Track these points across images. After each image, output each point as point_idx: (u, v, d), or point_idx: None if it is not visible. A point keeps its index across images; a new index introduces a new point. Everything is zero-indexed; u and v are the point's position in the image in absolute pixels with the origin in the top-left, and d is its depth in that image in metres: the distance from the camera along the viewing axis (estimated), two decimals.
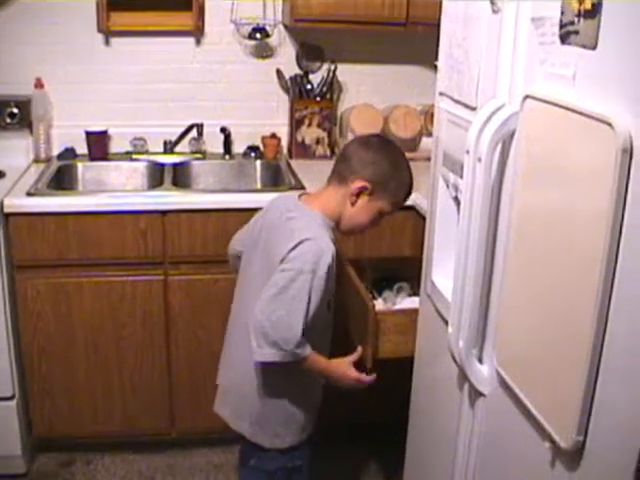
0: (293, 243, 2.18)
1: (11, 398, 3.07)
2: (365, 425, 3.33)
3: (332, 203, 2.32)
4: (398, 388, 2.50)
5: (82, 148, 3.56)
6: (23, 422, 3.15)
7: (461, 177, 1.79)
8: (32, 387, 3.15)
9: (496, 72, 1.69)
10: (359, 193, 2.28)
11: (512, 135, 1.62)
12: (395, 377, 2.45)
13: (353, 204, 2.30)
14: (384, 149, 2.32)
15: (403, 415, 2.48)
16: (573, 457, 1.37)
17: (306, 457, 2.51)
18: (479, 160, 1.63)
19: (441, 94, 2.07)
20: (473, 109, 1.80)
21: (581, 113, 1.29)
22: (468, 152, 1.68)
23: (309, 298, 2.15)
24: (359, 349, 2.35)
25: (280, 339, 2.12)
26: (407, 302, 2.52)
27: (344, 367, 2.30)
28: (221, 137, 3.63)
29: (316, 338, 2.30)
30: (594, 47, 1.29)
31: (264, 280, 2.24)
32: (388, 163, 2.29)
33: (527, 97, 1.51)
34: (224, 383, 2.50)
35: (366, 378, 2.29)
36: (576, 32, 1.35)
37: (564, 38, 1.39)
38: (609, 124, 1.20)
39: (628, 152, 1.18)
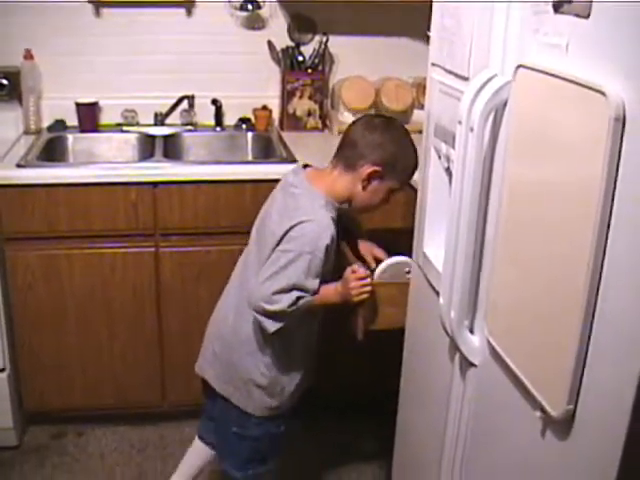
0: (293, 222, 2.24)
1: (1, 371, 3.07)
2: (358, 397, 3.34)
3: (340, 187, 2.35)
4: (391, 360, 2.50)
5: (72, 120, 3.54)
6: (14, 395, 3.15)
7: (453, 148, 1.78)
8: (23, 360, 3.15)
9: (489, 42, 1.67)
10: (370, 178, 2.31)
11: (505, 105, 1.61)
12: (388, 349, 2.46)
13: (365, 188, 2.33)
14: (389, 130, 2.34)
15: (395, 386, 2.48)
16: (564, 426, 1.38)
17: (289, 423, 2.56)
18: (471, 130, 1.62)
19: (433, 65, 2.06)
20: (465, 79, 1.79)
21: (574, 82, 1.28)
22: (460, 122, 1.67)
23: (306, 275, 2.23)
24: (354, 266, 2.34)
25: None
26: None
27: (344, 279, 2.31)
28: (212, 109, 3.62)
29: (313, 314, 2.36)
30: (587, 16, 1.28)
31: (256, 250, 2.37)
32: (395, 144, 2.32)
33: (520, 67, 1.50)
34: (213, 348, 2.52)
35: (361, 269, 2.29)
36: (569, 1, 1.34)
37: (557, 7, 1.38)
38: (602, 93, 1.19)
39: (621, 121, 1.18)
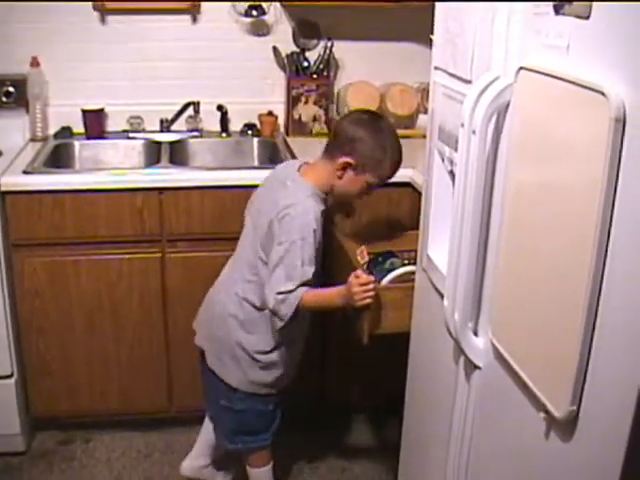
0: (281, 213, 2.35)
1: (9, 376, 3.08)
2: (363, 400, 3.34)
3: (323, 176, 2.46)
4: (396, 362, 2.50)
5: (78, 127, 3.55)
6: (22, 400, 3.16)
7: (456, 150, 1.79)
8: (30, 365, 3.16)
9: (491, 44, 1.68)
10: (344, 168, 2.41)
11: (507, 107, 1.62)
12: (393, 352, 2.46)
13: (340, 177, 2.43)
14: (372, 125, 2.43)
15: (401, 389, 2.49)
16: (567, 427, 1.38)
17: (277, 403, 2.64)
18: (474, 132, 1.63)
19: (436, 68, 2.06)
20: (468, 82, 1.80)
21: (575, 83, 1.29)
22: (463, 125, 1.68)
23: (302, 261, 2.31)
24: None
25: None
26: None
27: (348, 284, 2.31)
28: (218, 115, 3.63)
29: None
30: (588, 17, 1.29)
31: (254, 234, 2.48)
32: (373, 140, 2.40)
33: (521, 69, 1.50)
34: (204, 319, 2.67)
35: (364, 275, 2.29)
36: (570, 2, 1.34)
37: (558, 8, 1.39)
38: (602, 93, 1.20)
39: (621, 121, 1.18)
